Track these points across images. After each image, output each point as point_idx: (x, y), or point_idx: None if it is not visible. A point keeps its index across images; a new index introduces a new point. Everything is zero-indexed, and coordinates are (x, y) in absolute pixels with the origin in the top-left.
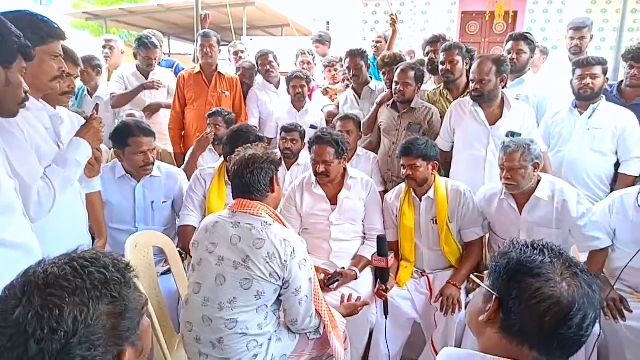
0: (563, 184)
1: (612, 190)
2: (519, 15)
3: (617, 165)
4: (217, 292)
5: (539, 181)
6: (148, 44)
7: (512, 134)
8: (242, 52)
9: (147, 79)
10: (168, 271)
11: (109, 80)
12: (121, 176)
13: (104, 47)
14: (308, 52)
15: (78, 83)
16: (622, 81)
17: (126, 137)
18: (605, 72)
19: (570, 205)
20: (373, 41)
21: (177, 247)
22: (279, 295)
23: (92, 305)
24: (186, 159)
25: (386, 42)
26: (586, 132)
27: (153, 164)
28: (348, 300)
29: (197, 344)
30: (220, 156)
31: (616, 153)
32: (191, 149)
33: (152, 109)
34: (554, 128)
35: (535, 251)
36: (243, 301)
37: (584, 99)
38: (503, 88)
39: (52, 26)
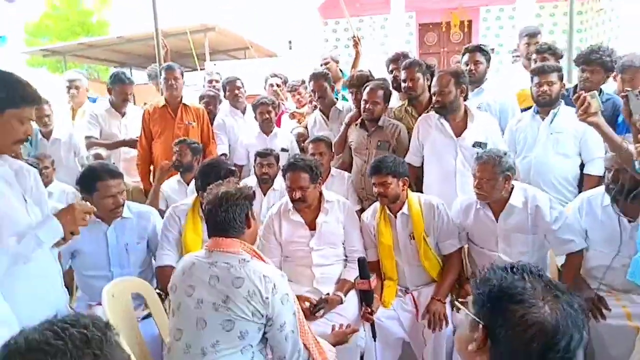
0: (535, 190)
1: (579, 191)
2: (473, 23)
3: (582, 166)
4: (199, 337)
5: (512, 189)
6: (124, 78)
7: (478, 144)
8: (218, 81)
9: (120, 114)
10: (149, 315)
11: (73, 119)
12: (91, 222)
13: (69, 87)
14: (276, 76)
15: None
16: (577, 85)
17: (93, 181)
18: (561, 78)
19: (544, 211)
20: (321, 65)
21: (155, 288)
22: (264, 333)
23: None
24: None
25: (334, 62)
26: (549, 136)
27: (123, 205)
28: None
29: None
30: (187, 184)
31: (580, 154)
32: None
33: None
34: (518, 134)
35: (516, 276)
36: (226, 343)
37: (543, 105)
38: (464, 100)
39: (29, 91)
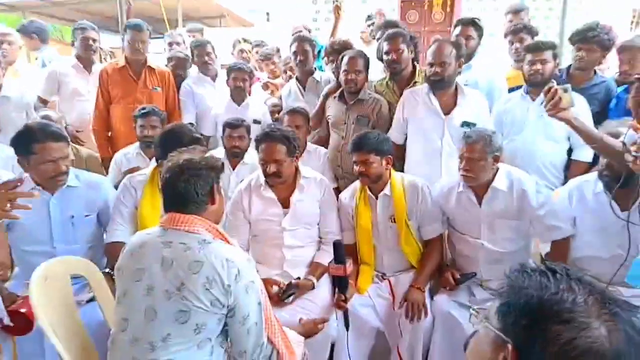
0: (520, 173)
1: (565, 178)
2: (456, 3)
3: (570, 151)
4: (147, 329)
5: (496, 172)
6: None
7: (467, 124)
8: (179, 44)
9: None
10: (94, 298)
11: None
12: (30, 189)
13: (1, 42)
14: (246, 41)
15: None
16: (571, 65)
17: (29, 143)
18: (555, 57)
19: (530, 195)
20: (293, 34)
21: (105, 267)
22: (225, 324)
23: None
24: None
25: (306, 30)
26: (539, 118)
27: (66, 173)
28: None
29: None
30: (150, 159)
31: (569, 139)
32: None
33: None
34: (505, 116)
35: (561, 285)
36: (179, 337)
37: (535, 84)
38: (458, 74)
39: None
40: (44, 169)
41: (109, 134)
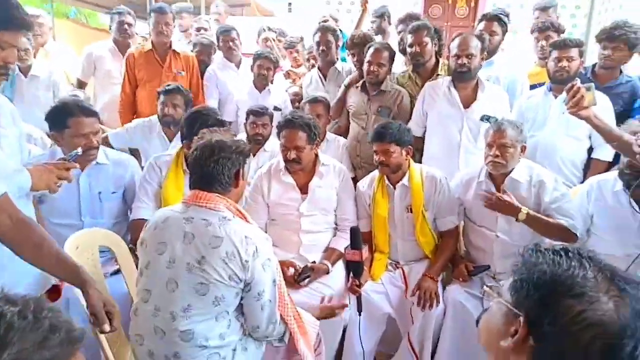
0: (541, 169)
1: (584, 176)
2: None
3: (590, 150)
4: (169, 300)
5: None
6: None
7: (487, 118)
8: (206, 30)
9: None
10: (119, 271)
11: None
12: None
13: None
14: (271, 30)
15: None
16: (596, 64)
17: (64, 117)
18: (581, 55)
19: (547, 191)
20: (319, 22)
21: (129, 243)
22: (242, 299)
23: None
24: None
25: (333, 20)
26: (561, 116)
27: (97, 148)
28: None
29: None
30: (170, 141)
31: (590, 138)
32: None
33: None
34: (527, 112)
35: (573, 262)
36: (199, 309)
37: (560, 82)
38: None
39: (16, 13)
40: (76, 143)
41: (134, 116)
